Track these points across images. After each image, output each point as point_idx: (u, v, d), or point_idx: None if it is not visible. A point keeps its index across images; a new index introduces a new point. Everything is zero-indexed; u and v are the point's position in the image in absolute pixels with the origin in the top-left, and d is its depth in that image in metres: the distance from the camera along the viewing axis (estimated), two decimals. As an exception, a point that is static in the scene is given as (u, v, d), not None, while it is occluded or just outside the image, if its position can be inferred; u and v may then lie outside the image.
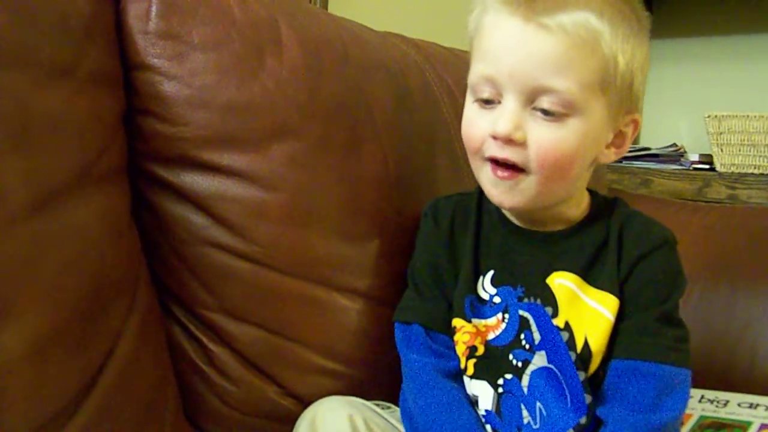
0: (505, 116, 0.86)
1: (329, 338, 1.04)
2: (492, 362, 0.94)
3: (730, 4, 2.56)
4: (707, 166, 2.34)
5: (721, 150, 2.27)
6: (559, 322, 0.92)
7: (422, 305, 0.99)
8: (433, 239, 1.01)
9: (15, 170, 0.74)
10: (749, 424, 1.11)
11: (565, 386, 0.91)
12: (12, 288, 0.73)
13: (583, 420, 0.90)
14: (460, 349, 0.96)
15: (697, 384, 1.04)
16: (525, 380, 0.92)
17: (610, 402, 0.89)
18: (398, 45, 1.28)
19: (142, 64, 0.93)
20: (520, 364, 0.92)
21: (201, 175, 0.96)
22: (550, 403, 0.91)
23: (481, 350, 0.95)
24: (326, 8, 1.90)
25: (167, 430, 0.94)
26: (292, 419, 0.96)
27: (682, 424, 0.97)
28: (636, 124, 0.95)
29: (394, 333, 1.00)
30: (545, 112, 0.85)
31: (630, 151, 2.27)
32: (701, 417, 1.13)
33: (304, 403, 0.98)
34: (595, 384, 0.91)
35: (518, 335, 0.93)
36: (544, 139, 0.86)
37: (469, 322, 0.95)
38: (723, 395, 1.22)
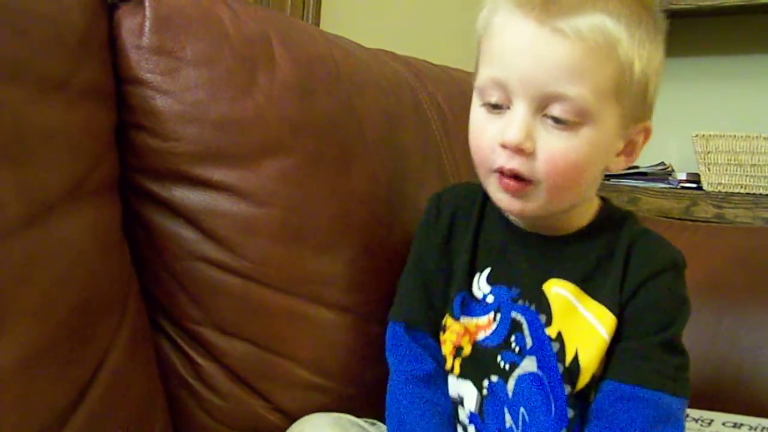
0: (515, 124, 0.83)
1: (318, 354, 1.04)
2: (479, 363, 0.92)
3: (719, 25, 2.59)
4: (694, 185, 2.36)
5: (708, 169, 2.29)
6: (551, 331, 0.89)
7: (405, 303, 0.99)
8: (430, 232, 0.99)
9: (8, 183, 0.74)
10: (733, 443, 1.12)
11: (550, 396, 0.89)
12: (2, 301, 0.73)
13: None
14: (447, 348, 0.94)
15: (682, 402, 1.04)
16: (511, 384, 0.90)
17: (598, 425, 0.87)
18: (389, 62, 1.29)
19: (135, 79, 0.93)
20: (507, 367, 0.90)
21: (192, 190, 0.96)
22: (535, 410, 0.89)
23: (467, 350, 0.93)
24: (318, 25, 1.91)
25: (155, 444, 0.93)
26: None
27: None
28: (647, 132, 0.91)
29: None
30: (556, 120, 0.82)
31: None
32: (686, 436, 1.14)
33: (292, 418, 0.98)
34: (580, 399, 0.89)
35: (508, 337, 0.91)
36: (553, 148, 0.83)
37: (458, 320, 0.94)
38: (708, 414, 1.22)
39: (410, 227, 1.06)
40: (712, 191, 2.27)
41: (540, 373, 0.89)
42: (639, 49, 0.83)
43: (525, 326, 0.90)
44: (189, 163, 0.95)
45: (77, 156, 0.84)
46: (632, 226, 0.94)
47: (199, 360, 0.99)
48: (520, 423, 0.90)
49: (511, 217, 0.95)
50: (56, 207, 0.80)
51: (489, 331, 0.92)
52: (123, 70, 0.93)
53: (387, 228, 1.10)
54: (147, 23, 0.93)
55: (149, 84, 0.93)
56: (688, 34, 2.60)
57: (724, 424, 1.18)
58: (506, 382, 0.90)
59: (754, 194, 2.21)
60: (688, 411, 1.22)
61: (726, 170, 2.26)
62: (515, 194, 0.86)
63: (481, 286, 0.94)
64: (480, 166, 0.89)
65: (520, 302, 0.91)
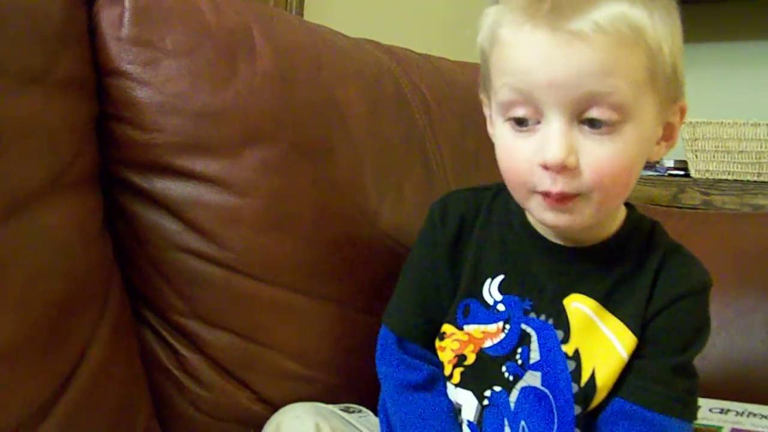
0: (554, 140, 0.75)
1: (302, 344, 1.04)
2: (482, 372, 0.88)
3: (704, 12, 2.58)
4: (682, 172, 2.36)
5: (696, 156, 2.29)
6: (568, 348, 0.85)
7: (400, 312, 0.95)
8: (436, 237, 0.93)
9: (-14, 176, 0.74)
10: (720, 428, 1.12)
11: (555, 413, 0.85)
12: (-19, 293, 0.73)
13: None
14: (447, 356, 0.90)
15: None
16: (514, 395, 0.86)
17: None
18: (372, 51, 1.28)
19: (115, 70, 0.93)
20: (511, 378, 0.86)
21: (174, 181, 0.96)
22: (536, 424, 0.85)
23: (471, 359, 0.88)
24: (302, 15, 1.90)
25: (139, 435, 0.94)
26: (264, 425, 0.96)
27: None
28: (683, 111, 0.85)
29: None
30: (596, 125, 0.75)
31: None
32: (672, 421, 1.14)
33: (276, 408, 0.98)
34: (588, 417, 0.86)
35: (515, 349, 0.87)
36: (599, 158, 0.76)
37: (461, 329, 0.90)
38: (694, 400, 1.22)
39: (393, 216, 1.06)
40: (700, 178, 2.27)
41: (544, 389, 0.86)
42: (663, 29, 0.77)
43: (534, 340, 0.86)
44: (170, 154, 0.95)
45: (56, 148, 0.84)
46: (662, 240, 0.89)
47: (183, 351, 0.99)
48: None
49: (533, 223, 0.89)
50: (36, 199, 0.80)
51: (496, 340, 0.88)
52: (103, 61, 0.93)
53: (370, 217, 1.10)
54: (126, 14, 0.93)
55: (129, 75, 0.93)
56: (676, 21, 2.60)
57: (710, 409, 1.18)
58: (509, 393, 0.87)
59: (741, 181, 2.21)
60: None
61: (713, 157, 2.26)
62: (563, 210, 0.79)
63: (492, 293, 0.89)
64: (517, 189, 0.83)
65: (533, 315, 0.87)
